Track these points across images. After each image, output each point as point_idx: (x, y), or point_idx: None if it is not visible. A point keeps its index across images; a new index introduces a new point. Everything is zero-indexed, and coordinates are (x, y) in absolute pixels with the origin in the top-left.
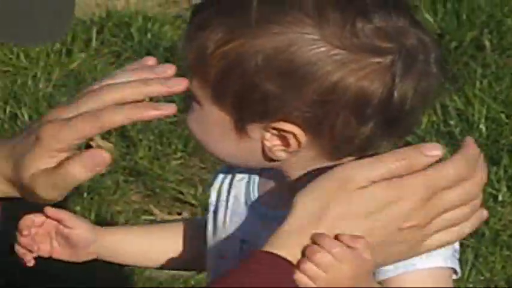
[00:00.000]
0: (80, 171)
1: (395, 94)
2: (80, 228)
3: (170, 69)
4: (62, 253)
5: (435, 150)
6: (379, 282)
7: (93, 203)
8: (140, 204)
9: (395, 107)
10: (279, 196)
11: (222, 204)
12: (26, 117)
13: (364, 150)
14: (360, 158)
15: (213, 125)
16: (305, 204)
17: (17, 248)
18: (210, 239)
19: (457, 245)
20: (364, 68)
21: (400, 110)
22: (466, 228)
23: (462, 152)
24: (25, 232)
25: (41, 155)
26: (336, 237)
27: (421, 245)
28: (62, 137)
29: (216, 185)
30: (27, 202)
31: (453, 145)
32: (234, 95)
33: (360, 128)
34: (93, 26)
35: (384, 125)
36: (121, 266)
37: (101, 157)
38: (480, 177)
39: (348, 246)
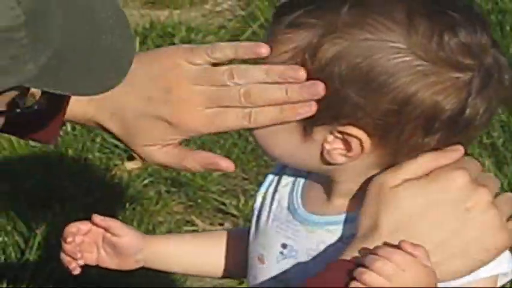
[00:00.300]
0: (195, 166)
1: (467, 111)
2: (127, 236)
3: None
4: (108, 262)
5: (459, 149)
6: None
7: (136, 213)
8: (182, 215)
9: (464, 123)
10: (322, 202)
11: (266, 208)
12: None
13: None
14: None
15: (280, 126)
16: (362, 221)
17: (62, 255)
18: (252, 243)
19: None
20: (443, 82)
21: (469, 126)
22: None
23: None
24: (69, 239)
25: (169, 138)
26: (397, 246)
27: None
28: (202, 130)
29: (262, 190)
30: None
31: (496, 156)
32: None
33: (424, 140)
34: (136, 36)
35: (447, 139)
36: (161, 275)
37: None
38: None
39: (408, 253)
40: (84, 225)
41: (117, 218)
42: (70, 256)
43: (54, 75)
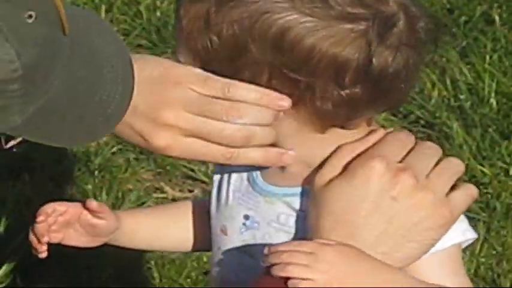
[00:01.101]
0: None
1: (374, 60)
2: (109, 219)
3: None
4: (75, 240)
5: (378, 132)
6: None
7: (105, 181)
8: (151, 182)
9: (375, 73)
10: (279, 172)
11: (225, 180)
12: None
13: (349, 119)
14: (343, 127)
15: None
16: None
17: (30, 235)
18: (214, 215)
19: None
20: (335, 35)
21: (381, 77)
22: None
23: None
24: (41, 218)
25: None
26: None
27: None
28: (175, 156)
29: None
30: None
31: (464, 119)
32: (221, 66)
33: (340, 94)
34: (101, 4)
35: (366, 92)
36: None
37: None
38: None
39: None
40: (60, 206)
41: (86, 186)
42: (37, 237)
43: (38, 127)
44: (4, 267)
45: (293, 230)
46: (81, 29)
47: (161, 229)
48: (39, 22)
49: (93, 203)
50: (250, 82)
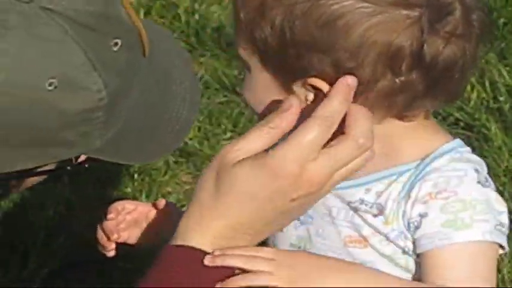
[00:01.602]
0: None
1: (425, 47)
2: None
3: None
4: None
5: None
6: (418, 255)
7: (144, 184)
8: (191, 185)
9: (427, 61)
10: None
11: None
12: None
13: (406, 109)
14: (400, 119)
15: (263, 90)
16: (198, 190)
17: (99, 234)
18: None
19: (504, 219)
20: (390, 21)
21: (433, 65)
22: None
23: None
24: (111, 215)
25: None
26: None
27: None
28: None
29: None
30: None
31: (503, 121)
32: (275, 55)
33: (395, 81)
34: (140, 7)
35: (421, 80)
36: None
37: None
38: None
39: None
40: (130, 205)
41: (126, 189)
42: (106, 235)
43: (115, 148)
44: (44, 270)
45: (343, 223)
46: (154, 47)
47: None
48: (124, 48)
49: (163, 202)
50: (303, 72)
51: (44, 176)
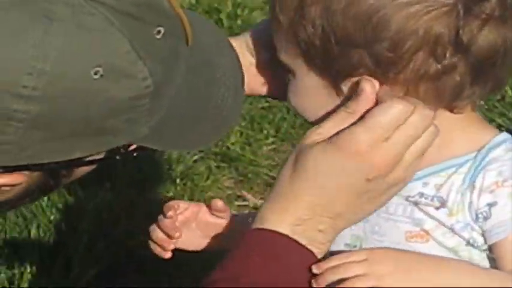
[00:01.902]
0: None
1: (462, 33)
2: (228, 219)
3: None
4: (189, 242)
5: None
6: (491, 246)
7: (186, 189)
8: (233, 190)
9: (465, 45)
10: None
11: None
12: None
13: (454, 99)
14: (450, 110)
15: (310, 93)
16: (278, 175)
17: (157, 234)
18: None
19: None
20: (427, 9)
21: (471, 50)
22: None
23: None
24: (171, 213)
25: None
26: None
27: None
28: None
29: None
30: None
31: None
32: (320, 54)
33: (438, 68)
34: None
35: (463, 66)
36: None
37: None
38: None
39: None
40: (183, 204)
41: (168, 194)
42: (166, 234)
43: (160, 135)
44: (87, 275)
45: (402, 219)
46: (196, 35)
47: None
48: (167, 37)
49: (218, 202)
50: (349, 70)
51: (93, 166)
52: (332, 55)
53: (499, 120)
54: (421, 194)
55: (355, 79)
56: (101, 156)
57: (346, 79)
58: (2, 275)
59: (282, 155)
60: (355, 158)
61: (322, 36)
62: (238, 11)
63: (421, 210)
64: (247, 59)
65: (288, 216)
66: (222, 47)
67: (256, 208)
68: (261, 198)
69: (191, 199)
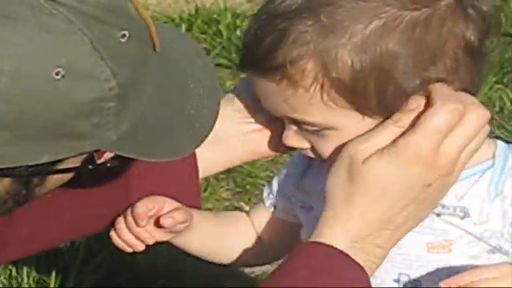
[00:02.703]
0: None
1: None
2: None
3: None
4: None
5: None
6: None
7: None
8: (231, 201)
9: (473, 43)
10: None
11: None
12: None
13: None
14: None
15: (360, 131)
16: (330, 192)
17: (125, 235)
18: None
19: None
20: (438, 15)
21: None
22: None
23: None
24: (143, 223)
25: None
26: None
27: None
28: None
29: None
30: None
31: None
32: (375, 93)
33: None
34: (182, 23)
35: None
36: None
37: None
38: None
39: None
40: (151, 203)
41: None
42: (138, 238)
43: (131, 142)
44: (91, 263)
45: (422, 230)
46: (166, 44)
47: (220, 233)
48: (132, 40)
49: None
50: (403, 97)
51: (66, 176)
52: (388, 91)
53: (498, 132)
54: (443, 206)
55: (409, 104)
56: (72, 165)
57: (401, 107)
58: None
59: (280, 167)
60: (417, 166)
61: (377, 78)
62: (238, 22)
63: (444, 220)
64: (245, 128)
65: (345, 235)
66: (195, 56)
67: None
68: None
69: None
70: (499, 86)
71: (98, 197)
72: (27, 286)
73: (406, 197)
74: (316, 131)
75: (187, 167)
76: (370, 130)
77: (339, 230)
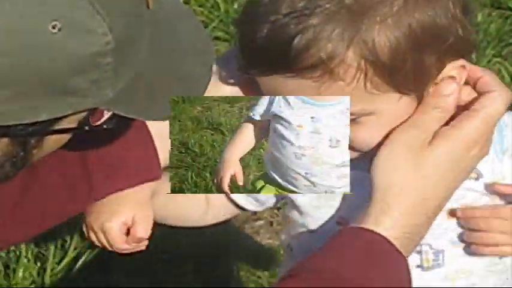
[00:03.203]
0: None
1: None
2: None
3: None
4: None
5: (450, 86)
6: None
7: None
8: None
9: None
10: None
11: None
12: None
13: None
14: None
15: (401, 117)
16: (380, 177)
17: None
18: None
19: None
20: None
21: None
22: None
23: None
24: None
25: None
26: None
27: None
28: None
29: None
30: None
31: None
32: (412, 67)
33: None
34: None
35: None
36: None
37: None
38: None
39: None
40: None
41: None
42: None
43: (128, 100)
44: (82, 259)
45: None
46: (160, 5)
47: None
48: None
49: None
50: (435, 71)
51: (63, 138)
52: (423, 67)
53: None
54: None
55: (440, 78)
56: (70, 125)
57: (430, 83)
58: None
59: None
60: (474, 149)
61: (413, 58)
62: None
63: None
64: (226, 90)
65: (404, 221)
66: (190, 21)
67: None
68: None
69: None
70: (498, 59)
71: (57, 186)
72: (26, 260)
73: (458, 180)
74: (352, 120)
75: (142, 138)
76: (410, 117)
77: (395, 217)
